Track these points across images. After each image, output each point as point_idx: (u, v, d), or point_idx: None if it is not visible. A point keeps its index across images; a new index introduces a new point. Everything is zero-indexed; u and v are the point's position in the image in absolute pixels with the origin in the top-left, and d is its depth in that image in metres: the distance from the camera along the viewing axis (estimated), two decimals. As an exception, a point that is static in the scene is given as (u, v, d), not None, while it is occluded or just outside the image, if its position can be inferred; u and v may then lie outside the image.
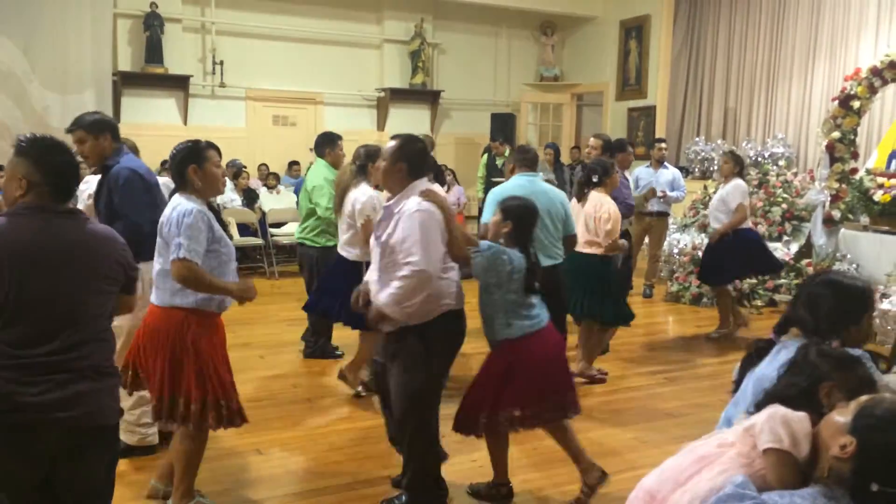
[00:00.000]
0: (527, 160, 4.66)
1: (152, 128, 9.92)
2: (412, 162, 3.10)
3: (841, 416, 1.65)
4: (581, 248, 4.91)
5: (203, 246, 2.94)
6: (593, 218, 4.93)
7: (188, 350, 2.98)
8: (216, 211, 3.19)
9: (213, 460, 3.83)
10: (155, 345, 3.01)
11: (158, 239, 3.05)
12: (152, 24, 10.03)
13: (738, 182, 6.41)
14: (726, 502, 1.56)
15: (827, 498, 1.54)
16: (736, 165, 6.48)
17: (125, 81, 10.14)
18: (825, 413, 1.74)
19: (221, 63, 10.61)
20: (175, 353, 2.98)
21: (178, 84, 10.37)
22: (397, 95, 11.81)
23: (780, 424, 1.68)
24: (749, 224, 6.51)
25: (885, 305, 6.02)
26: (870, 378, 1.88)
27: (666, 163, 8.13)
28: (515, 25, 12.91)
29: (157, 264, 3.07)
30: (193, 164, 3.06)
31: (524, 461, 3.91)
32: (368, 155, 4.68)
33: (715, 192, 7.09)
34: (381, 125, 11.76)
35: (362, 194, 4.59)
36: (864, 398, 1.68)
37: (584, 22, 12.79)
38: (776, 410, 1.71)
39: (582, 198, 5.08)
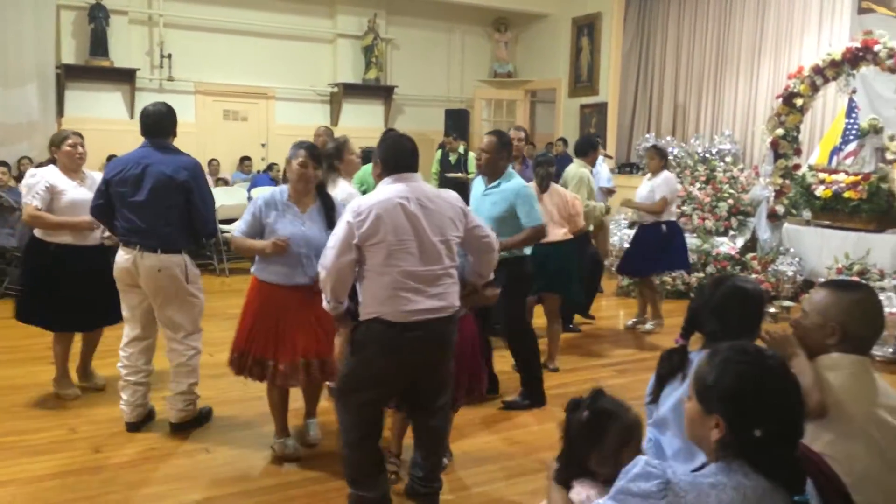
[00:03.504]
0: (511, 150, 4.64)
1: (97, 122, 9.70)
2: (381, 159, 3.06)
3: (690, 402, 1.68)
4: (555, 236, 5.13)
5: None
6: (567, 207, 5.28)
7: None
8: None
9: (158, 460, 3.78)
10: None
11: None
12: (97, 16, 9.80)
13: (668, 175, 6.56)
14: (634, 481, 1.56)
15: (727, 471, 1.57)
16: (662, 159, 6.61)
17: (69, 74, 9.88)
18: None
19: (169, 56, 10.41)
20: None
21: (124, 77, 10.15)
22: (350, 91, 11.74)
23: None
24: (673, 217, 6.66)
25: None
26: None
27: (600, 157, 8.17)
28: (469, 21, 12.94)
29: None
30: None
31: (464, 458, 3.94)
32: (338, 151, 4.49)
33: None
34: (334, 120, 11.66)
35: (341, 192, 4.26)
36: (692, 376, 1.72)
37: (537, 19, 12.88)
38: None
39: (545, 190, 5.27)
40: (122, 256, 3.97)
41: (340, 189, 4.29)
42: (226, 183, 10.00)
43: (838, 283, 2.35)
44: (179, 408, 4.09)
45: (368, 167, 4.45)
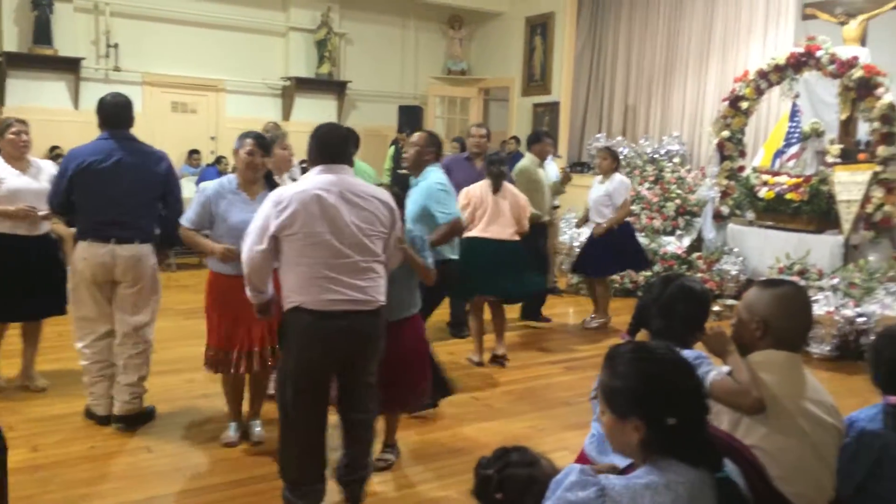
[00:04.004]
0: (440, 148, 4.74)
1: (40, 112, 9.42)
2: (309, 149, 3.07)
3: (605, 415, 1.70)
4: (506, 235, 5.35)
5: None
6: (517, 208, 5.40)
7: None
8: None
9: (98, 459, 3.70)
10: None
11: None
12: (41, 3, 9.50)
13: (623, 178, 6.74)
14: (571, 490, 1.58)
15: (657, 470, 1.61)
16: (614, 161, 6.74)
17: (11, 63, 9.57)
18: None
19: (116, 46, 10.16)
20: None
21: (69, 67, 9.87)
22: (303, 85, 11.62)
23: None
24: (628, 218, 6.84)
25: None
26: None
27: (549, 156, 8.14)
28: (423, 18, 12.92)
29: None
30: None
31: (411, 453, 3.94)
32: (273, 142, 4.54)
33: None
34: (286, 115, 11.54)
35: None
36: (597, 390, 1.74)
37: (491, 17, 12.92)
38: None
39: (498, 189, 5.34)
40: (96, 251, 3.90)
41: None
42: None
43: (765, 281, 2.44)
44: (125, 400, 4.03)
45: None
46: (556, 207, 7.74)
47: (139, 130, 4.19)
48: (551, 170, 8.03)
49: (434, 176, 4.43)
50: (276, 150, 4.53)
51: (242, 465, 3.70)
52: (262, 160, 3.77)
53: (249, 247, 2.92)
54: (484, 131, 6.15)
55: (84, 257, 3.92)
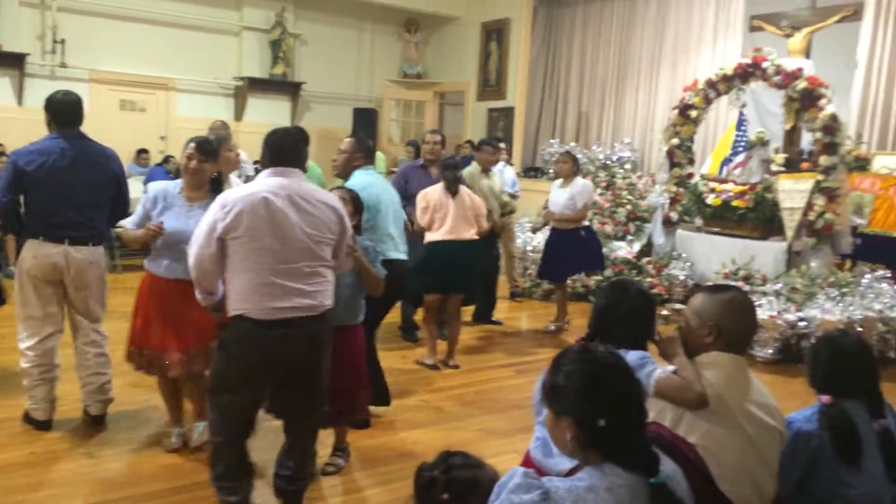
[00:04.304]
0: (370, 153, 4.64)
1: (-18, 108, 9.16)
2: (262, 152, 3.02)
3: (550, 416, 1.73)
4: (469, 236, 5.45)
5: None
6: (474, 208, 5.49)
7: None
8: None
9: (37, 465, 3.59)
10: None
11: None
12: (-17, -3, 9.26)
13: (586, 182, 6.81)
14: (515, 492, 1.59)
15: (599, 473, 1.64)
16: (575, 164, 6.77)
17: (-49, 57, 9.28)
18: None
19: (63, 41, 9.92)
20: None
21: (13, 62, 9.59)
22: (256, 85, 11.48)
23: None
24: (587, 222, 6.90)
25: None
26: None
27: (501, 162, 8.17)
28: (379, 21, 12.89)
29: None
30: None
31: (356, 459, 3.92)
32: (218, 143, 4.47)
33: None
34: (238, 115, 11.40)
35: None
36: (540, 390, 1.77)
37: (447, 21, 12.95)
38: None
39: (456, 193, 5.41)
40: (48, 251, 3.80)
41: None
42: None
43: (710, 287, 2.53)
44: (104, 398, 4.04)
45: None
46: (510, 213, 7.79)
47: (86, 129, 4.09)
48: (507, 175, 8.08)
49: (352, 180, 4.38)
50: (222, 152, 4.47)
51: (185, 470, 3.63)
52: (200, 165, 3.69)
53: (197, 250, 2.86)
54: (438, 138, 6.13)
55: (34, 255, 3.81)
